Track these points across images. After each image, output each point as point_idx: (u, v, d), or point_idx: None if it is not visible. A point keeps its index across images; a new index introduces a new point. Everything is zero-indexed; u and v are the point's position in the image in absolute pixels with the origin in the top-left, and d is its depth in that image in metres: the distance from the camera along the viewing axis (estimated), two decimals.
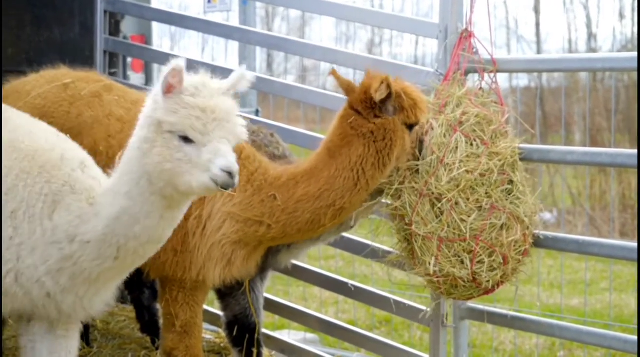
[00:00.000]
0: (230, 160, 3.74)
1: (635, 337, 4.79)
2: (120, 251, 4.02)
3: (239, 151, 4.65)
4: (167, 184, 3.83)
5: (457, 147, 4.77)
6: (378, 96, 4.65)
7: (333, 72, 4.85)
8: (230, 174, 3.72)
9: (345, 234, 5.51)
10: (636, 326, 7.84)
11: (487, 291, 4.84)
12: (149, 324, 6.27)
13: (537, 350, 8.18)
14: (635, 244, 4.80)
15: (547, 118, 15.47)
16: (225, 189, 3.76)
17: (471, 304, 5.35)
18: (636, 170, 4.79)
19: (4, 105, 4.43)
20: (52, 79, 5.40)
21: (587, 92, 13.07)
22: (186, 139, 3.75)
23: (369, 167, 4.73)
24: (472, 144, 4.80)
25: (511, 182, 4.79)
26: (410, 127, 4.79)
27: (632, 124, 14.63)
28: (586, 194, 12.91)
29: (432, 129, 4.86)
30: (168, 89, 3.78)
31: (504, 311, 5.41)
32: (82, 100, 5.27)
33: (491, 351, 7.99)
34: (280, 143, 5.46)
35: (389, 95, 4.67)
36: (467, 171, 4.71)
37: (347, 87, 4.84)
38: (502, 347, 8.36)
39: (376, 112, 4.74)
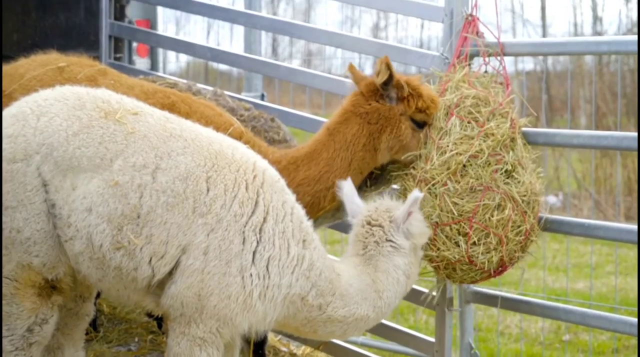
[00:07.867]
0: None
1: None
2: None
3: (237, 136, 4.70)
4: None
5: (452, 130, 4.78)
6: (380, 77, 4.75)
7: (351, 68, 4.93)
8: None
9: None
10: None
11: (492, 274, 4.80)
12: None
13: (543, 333, 8.20)
14: None
15: (553, 102, 15.43)
16: None
17: (477, 287, 5.36)
18: None
19: None
20: (44, 63, 5.38)
21: (593, 75, 13.02)
22: None
23: (360, 148, 4.82)
24: (466, 126, 4.79)
25: (506, 162, 4.75)
26: (418, 124, 4.84)
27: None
28: (592, 178, 12.89)
29: None
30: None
31: (510, 294, 5.41)
32: (78, 83, 5.27)
33: (497, 334, 8.01)
34: (281, 127, 5.51)
35: (390, 79, 4.75)
36: (458, 153, 4.70)
37: (360, 79, 4.94)
38: (507, 331, 8.38)
39: (378, 97, 4.84)
